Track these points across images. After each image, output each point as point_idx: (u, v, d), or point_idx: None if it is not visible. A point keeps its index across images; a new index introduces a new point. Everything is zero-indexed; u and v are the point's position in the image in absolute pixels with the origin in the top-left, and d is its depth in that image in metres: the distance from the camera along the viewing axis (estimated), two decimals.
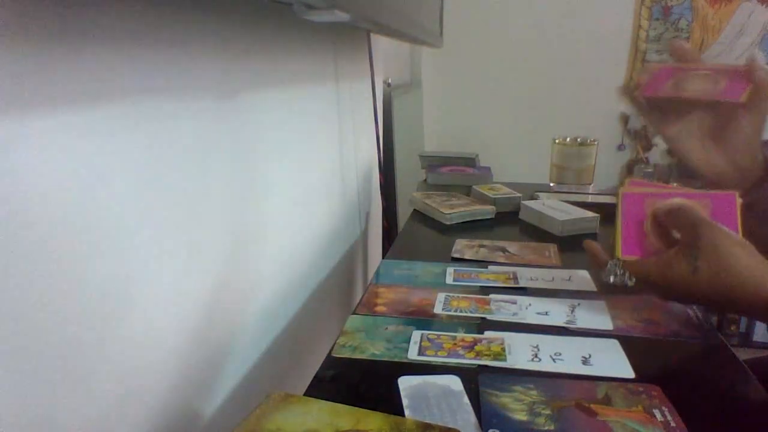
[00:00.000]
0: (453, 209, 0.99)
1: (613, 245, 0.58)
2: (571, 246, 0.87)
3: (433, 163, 1.35)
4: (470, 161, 1.34)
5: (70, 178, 0.34)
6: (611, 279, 0.57)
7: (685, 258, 0.50)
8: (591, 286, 0.70)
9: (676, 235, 0.54)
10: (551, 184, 1.24)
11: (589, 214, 0.94)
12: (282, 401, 0.42)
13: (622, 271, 0.56)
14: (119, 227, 0.39)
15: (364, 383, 0.49)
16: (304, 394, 0.46)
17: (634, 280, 0.56)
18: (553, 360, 0.53)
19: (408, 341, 0.56)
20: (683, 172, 2.10)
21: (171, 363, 0.47)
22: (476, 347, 0.55)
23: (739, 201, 0.55)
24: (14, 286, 0.31)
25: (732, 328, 2.22)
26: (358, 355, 0.54)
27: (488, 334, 0.58)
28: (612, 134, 2.32)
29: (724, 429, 0.44)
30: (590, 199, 1.12)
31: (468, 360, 0.52)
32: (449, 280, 0.72)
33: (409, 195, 1.13)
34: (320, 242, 0.88)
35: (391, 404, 0.46)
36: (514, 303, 0.65)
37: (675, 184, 0.59)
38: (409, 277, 0.73)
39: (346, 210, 1.05)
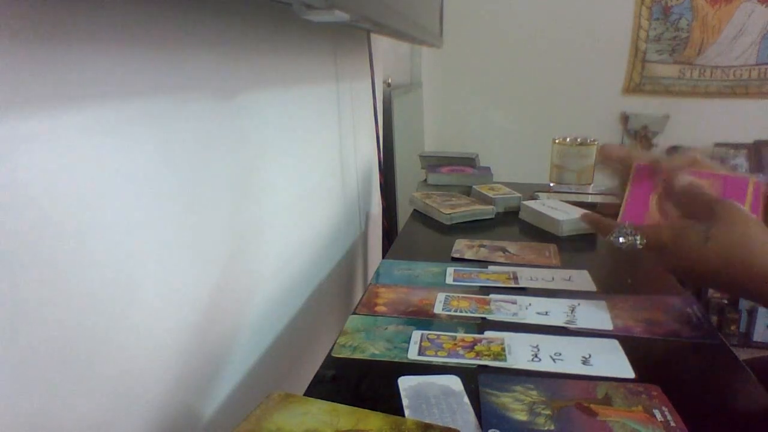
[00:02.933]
0: (453, 209, 0.99)
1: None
2: (571, 246, 0.87)
3: (433, 163, 1.35)
4: (470, 161, 1.34)
5: (70, 178, 0.34)
6: (620, 240, 0.55)
7: (698, 229, 0.50)
8: (591, 286, 0.70)
9: (688, 212, 0.54)
10: (551, 184, 1.24)
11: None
12: (282, 401, 0.42)
13: (632, 232, 0.54)
14: (119, 227, 0.39)
15: (364, 383, 0.49)
16: (304, 394, 0.46)
17: (644, 241, 0.54)
18: (553, 360, 0.53)
19: (408, 341, 0.56)
20: None
21: (171, 363, 0.47)
22: (476, 347, 0.55)
23: (753, 185, 0.54)
24: (14, 285, 0.31)
25: (732, 328, 2.22)
26: (358, 355, 0.54)
27: (488, 334, 0.57)
28: (612, 134, 2.32)
29: (724, 429, 0.44)
30: (590, 199, 1.12)
31: (468, 360, 0.52)
32: (449, 280, 0.72)
33: (409, 195, 1.13)
34: (320, 242, 0.88)
35: (391, 404, 0.46)
36: (514, 303, 0.65)
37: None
38: (409, 277, 0.73)
39: (346, 210, 1.05)
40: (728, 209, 0.50)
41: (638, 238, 0.55)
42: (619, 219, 0.58)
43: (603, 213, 0.62)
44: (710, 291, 2.21)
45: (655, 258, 0.56)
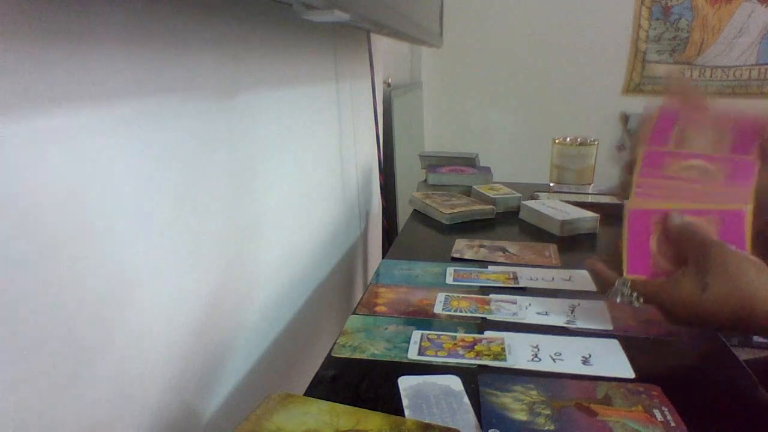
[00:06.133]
0: (453, 209, 0.99)
1: (620, 261, 0.56)
2: (571, 246, 0.87)
3: (433, 163, 1.35)
4: (470, 161, 1.34)
5: (69, 178, 0.34)
6: (618, 299, 0.55)
7: (694, 277, 0.49)
8: (591, 286, 0.70)
9: (674, 254, 0.53)
10: (551, 184, 1.24)
11: (589, 214, 0.94)
12: (282, 401, 0.42)
13: (629, 291, 0.55)
14: (119, 227, 0.39)
15: (364, 383, 0.49)
16: (304, 394, 0.46)
17: (641, 300, 0.54)
18: (553, 360, 0.53)
19: (408, 341, 0.56)
20: None
21: (171, 363, 0.47)
22: (476, 347, 0.55)
23: (756, 169, 0.53)
24: (13, 286, 0.31)
25: None
26: (358, 355, 0.54)
27: (488, 334, 0.57)
28: (612, 134, 2.32)
29: (724, 429, 0.44)
30: (590, 199, 1.12)
31: (468, 360, 0.52)
32: (449, 280, 0.72)
33: (409, 195, 1.13)
34: (320, 242, 0.88)
35: (391, 404, 0.46)
36: (514, 303, 0.65)
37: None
38: (409, 277, 0.73)
39: (346, 210, 1.05)
40: (722, 253, 0.48)
41: (635, 296, 0.54)
42: (624, 272, 0.56)
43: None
44: None
45: (654, 312, 0.54)
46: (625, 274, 0.56)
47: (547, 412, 0.45)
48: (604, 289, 0.58)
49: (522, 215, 1.02)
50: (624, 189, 0.60)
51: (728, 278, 0.47)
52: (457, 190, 1.18)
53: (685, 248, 0.53)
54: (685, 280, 0.50)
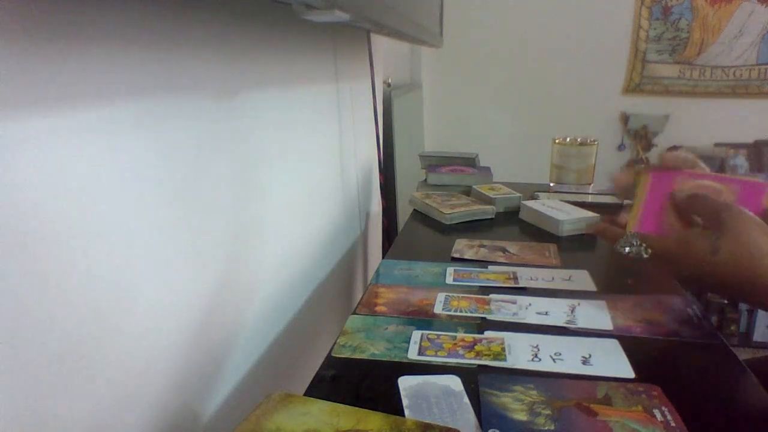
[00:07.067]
0: (453, 209, 0.99)
1: (627, 221, 0.57)
2: (571, 246, 0.87)
3: (433, 163, 1.35)
4: (470, 161, 1.34)
5: (70, 178, 0.34)
6: (626, 249, 0.55)
7: (706, 238, 0.50)
8: (591, 286, 0.70)
9: (696, 220, 0.54)
10: (551, 184, 1.24)
11: (589, 214, 0.94)
12: (282, 401, 0.42)
13: (638, 243, 0.55)
14: (119, 227, 0.39)
15: (364, 383, 0.49)
16: (304, 394, 0.46)
17: (650, 252, 0.54)
18: (553, 360, 0.53)
19: (408, 341, 0.56)
20: None
21: (171, 363, 0.47)
22: (476, 347, 0.55)
23: None
24: (14, 286, 0.31)
25: (732, 328, 2.21)
26: (358, 355, 0.54)
27: (488, 334, 0.57)
28: (612, 134, 2.32)
29: (724, 429, 0.44)
30: (590, 199, 1.12)
31: (468, 360, 0.52)
32: (449, 280, 0.72)
33: (409, 195, 1.13)
34: (320, 242, 0.88)
35: (391, 404, 0.46)
36: (514, 303, 0.65)
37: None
38: (409, 277, 0.73)
39: (346, 210, 1.05)
40: (736, 217, 0.49)
41: (644, 248, 0.55)
42: (630, 228, 0.57)
43: (615, 224, 0.61)
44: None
45: (661, 266, 0.55)
46: (629, 229, 0.56)
47: (547, 412, 0.45)
48: (611, 242, 0.58)
49: (522, 215, 1.02)
50: (624, 189, 0.60)
51: (740, 243, 0.48)
52: (457, 190, 1.18)
53: (697, 214, 0.53)
54: (697, 240, 0.51)
